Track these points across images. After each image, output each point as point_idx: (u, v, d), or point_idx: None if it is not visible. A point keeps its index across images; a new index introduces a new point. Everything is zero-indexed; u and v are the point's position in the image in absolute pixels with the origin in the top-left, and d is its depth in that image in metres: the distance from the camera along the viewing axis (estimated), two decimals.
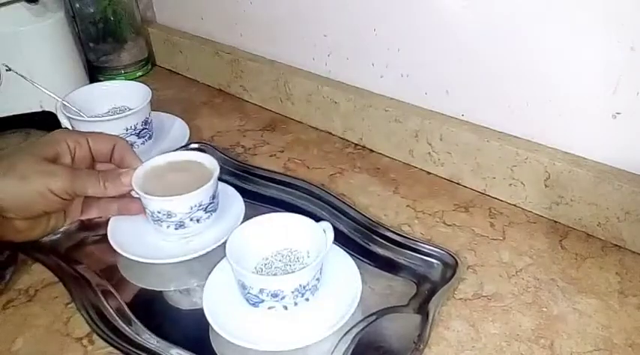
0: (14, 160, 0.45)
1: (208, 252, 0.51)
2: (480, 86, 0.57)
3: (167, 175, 0.54)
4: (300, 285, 0.42)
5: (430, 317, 0.44)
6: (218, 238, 0.53)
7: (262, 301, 0.42)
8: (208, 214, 0.53)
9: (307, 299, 0.43)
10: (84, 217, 0.54)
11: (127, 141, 0.53)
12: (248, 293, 0.42)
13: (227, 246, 0.44)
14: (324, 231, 0.45)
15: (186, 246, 0.53)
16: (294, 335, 0.43)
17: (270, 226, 0.47)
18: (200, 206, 0.51)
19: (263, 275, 0.45)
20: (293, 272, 0.45)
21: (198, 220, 0.52)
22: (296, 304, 0.43)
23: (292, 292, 0.42)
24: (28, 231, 0.49)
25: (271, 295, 0.42)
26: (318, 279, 0.44)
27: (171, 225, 0.51)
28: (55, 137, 0.49)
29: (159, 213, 0.51)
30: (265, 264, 0.47)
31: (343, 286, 0.46)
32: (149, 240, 0.54)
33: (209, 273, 0.48)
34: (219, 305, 0.45)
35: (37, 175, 0.45)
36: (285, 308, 0.43)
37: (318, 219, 0.47)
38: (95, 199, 0.53)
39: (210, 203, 0.52)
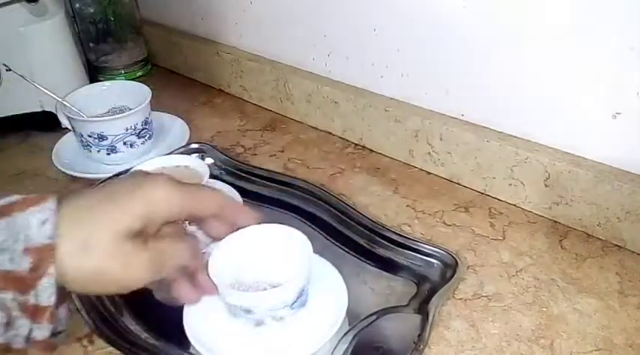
0: (90, 233, 0.32)
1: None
2: (479, 86, 0.57)
3: None
4: (281, 303, 0.40)
5: (430, 317, 0.44)
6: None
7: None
8: None
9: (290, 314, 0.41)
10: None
11: (208, 176, 0.42)
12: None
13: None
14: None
15: None
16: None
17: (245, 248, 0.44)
18: None
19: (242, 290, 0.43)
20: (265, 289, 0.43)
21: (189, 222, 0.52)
22: (281, 318, 0.41)
23: (270, 310, 0.40)
24: None
25: (244, 310, 0.40)
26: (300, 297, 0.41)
27: None
28: (161, 198, 0.35)
29: None
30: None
31: (329, 303, 0.43)
32: None
33: None
34: (201, 319, 0.43)
35: (116, 268, 0.33)
36: (263, 323, 0.41)
37: (317, 220, 0.47)
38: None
39: None
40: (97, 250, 0.32)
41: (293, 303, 0.40)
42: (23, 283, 0.30)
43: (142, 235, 0.35)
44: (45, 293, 0.31)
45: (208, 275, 0.40)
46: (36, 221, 0.31)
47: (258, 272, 0.44)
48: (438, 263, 0.51)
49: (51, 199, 0.32)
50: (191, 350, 0.43)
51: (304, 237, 0.43)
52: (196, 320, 0.43)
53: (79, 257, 0.32)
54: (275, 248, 0.44)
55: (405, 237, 0.53)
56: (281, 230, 0.44)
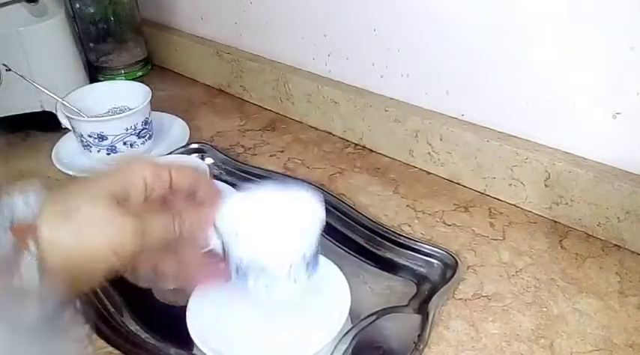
0: (70, 205, 0.33)
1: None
2: (479, 86, 0.57)
3: None
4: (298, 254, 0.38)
5: (430, 317, 0.44)
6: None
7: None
8: None
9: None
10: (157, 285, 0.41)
11: (209, 175, 0.42)
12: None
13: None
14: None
15: None
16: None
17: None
18: None
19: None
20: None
21: None
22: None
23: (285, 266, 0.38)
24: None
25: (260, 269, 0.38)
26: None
27: None
28: (135, 170, 0.36)
29: None
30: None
31: (331, 301, 0.44)
32: None
33: None
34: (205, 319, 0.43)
35: (96, 235, 0.33)
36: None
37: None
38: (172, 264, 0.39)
39: None
40: (76, 219, 0.32)
41: (308, 264, 0.39)
42: (9, 264, 0.30)
43: (125, 205, 0.34)
44: (28, 273, 0.30)
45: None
46: (21, 203, 0.32)
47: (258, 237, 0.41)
48: (438, 263, 0.51)
49: (37, 185, 0.33)
50: (194, 351, 0.44)
51: (314, 199, 0.40)
52: (200, 320, 0.43)
53: (59, 229, 0.32)
54: (279, 213, 0.41)
55: (405, 237, 0.53)
56: (289, 193, 0.41)
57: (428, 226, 0.55)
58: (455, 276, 0.48)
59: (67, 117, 0.63)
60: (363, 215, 0.56)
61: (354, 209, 0.57)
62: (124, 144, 0.64)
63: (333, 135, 0.71)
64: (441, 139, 0.60)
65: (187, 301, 0.46)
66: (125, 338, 0.45)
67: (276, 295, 0.38)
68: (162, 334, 0.45)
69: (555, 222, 0.55)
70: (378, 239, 0.54)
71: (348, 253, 0.54)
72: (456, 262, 0.50)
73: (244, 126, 0.75)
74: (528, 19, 0.50)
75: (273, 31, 0.74)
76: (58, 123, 0.67)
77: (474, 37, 0.54)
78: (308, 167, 0.65)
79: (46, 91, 0.64)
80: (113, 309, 0.48)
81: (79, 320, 0.35)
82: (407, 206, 0.58)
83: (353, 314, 0.45)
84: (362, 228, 0.55)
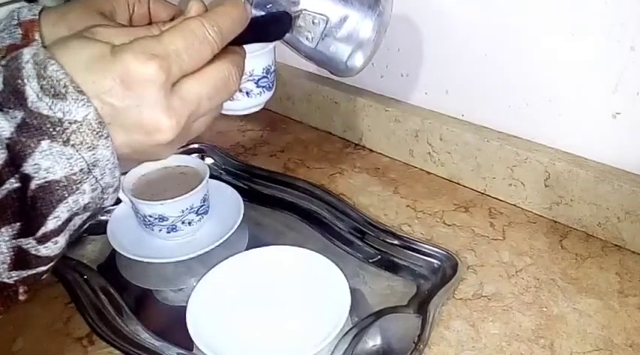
0: (66, 10, 0.39)
1: (208, 252, 0.51)
2: (479, 86, 0.57)
3: (158, 180, 0.54)
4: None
5: (430, 317, 0.44)
6: (218, 238, 0.53)
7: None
8: (200, 217, 0.53)
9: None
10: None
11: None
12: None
13: None
14: None
15: (186, 246, 0.53)
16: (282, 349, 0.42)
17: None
18: (191, 209, 0.52)
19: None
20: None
21: (189, 223, 0.52)
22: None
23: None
24: None
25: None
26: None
27: (163, 228, 0.52)
28: None
29: (150, 217, 0.51)
30: None
31: (331, 303, 0.45)
32: (149, 239, 0.54)
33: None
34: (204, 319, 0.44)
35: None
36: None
37: (317, 220, 0.46)
38: None
39: (202, 206, 0.53)
40: (70, 18, 0.38)
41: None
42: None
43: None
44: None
45: None
46: (26, 9, 0.39)
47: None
48: (438, 263, 0.51)
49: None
50: (194, 351, 0.44)
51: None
52: (200, 320, 0.43)
53: (56, 25, 0.38)
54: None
55: (405, 237, 0.53)
56: None
57: (428, 226, 0.55)
58: (455, 276, 0.48)
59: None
60: (363, 215, 0.56)
61: (354, 209, 0.57)
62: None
63: (333, 135, 0.71)
64: (441, 139, 0.60)
65: (188, 298, 0.46)
66: (125, 338, 0.45)
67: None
68: (162, 334, 0.45)
69: (555, 222, 0.55)
70: (378, 239, 0.54)
71: (348, 253, 0.54)
72: (456, 262, 0.50)
73: (244, 126, 0.75)
74: (528, 19, 0.50)
75: None
76: None
77: (473, 36, 0.54)
78: (308, 167, 0.65)
79: None
80: (113, 309, 0.48)
81: None
82: (407, 206, 0.58)
83: (353, 314, 0.45)
84: (362, 228, 0.55)
